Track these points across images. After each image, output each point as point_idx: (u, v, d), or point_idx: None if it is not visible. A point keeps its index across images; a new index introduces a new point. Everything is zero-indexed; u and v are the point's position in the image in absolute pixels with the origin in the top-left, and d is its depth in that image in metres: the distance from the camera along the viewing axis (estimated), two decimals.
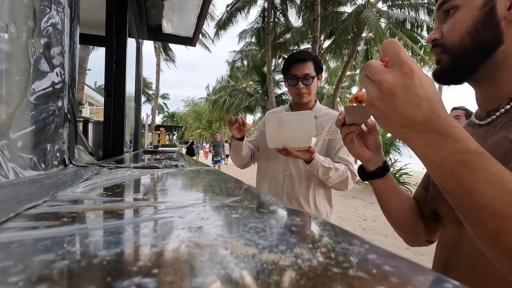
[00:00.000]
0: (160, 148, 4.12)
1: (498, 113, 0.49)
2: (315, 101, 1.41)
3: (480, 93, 0.54)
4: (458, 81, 0.54)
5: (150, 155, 1.69)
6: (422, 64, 15.44)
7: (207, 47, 20.21)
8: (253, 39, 17.32)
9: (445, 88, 21.09)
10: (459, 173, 0.36)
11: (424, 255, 3.30)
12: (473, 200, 0.35)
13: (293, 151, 1.13)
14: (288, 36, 15.86)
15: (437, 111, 0.37)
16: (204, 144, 26.26)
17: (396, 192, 0.62)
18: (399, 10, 12.73)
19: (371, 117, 0.49)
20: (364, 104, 0.46)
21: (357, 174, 1.34)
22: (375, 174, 0.61)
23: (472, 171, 0.35)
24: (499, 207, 0.34)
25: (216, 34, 16.06)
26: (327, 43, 14.79)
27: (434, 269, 0.58)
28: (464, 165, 0.35)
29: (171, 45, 20.59)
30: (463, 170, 0.36)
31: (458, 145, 0.36)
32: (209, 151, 11.26)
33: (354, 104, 0.55)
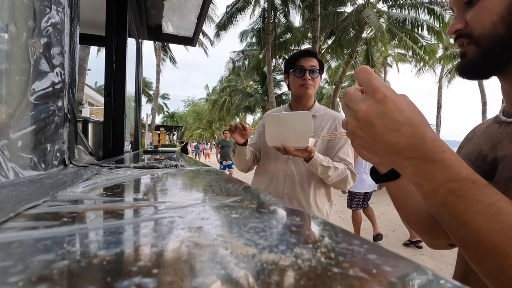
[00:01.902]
0: (160, 148, 4.12)
1: None
2: (314, 101, 1.42)
3: (509, 87, 0.49)
4: (486, 75, 0.48)
5: (150, 155, 1.69)
6: (422, 64, 15.41)
7: (205, 52, 20.18)
8: (254, 40, 17.34)
9: (444, 88, 21.03)
10: (452, 203, 0.33)
11: (424, 255, 3.30)
12: (469, 234, 0.32)
13: (291, 150, 1.14)
14: (288, 36, 15.87)
15: (421, 136, 0.34)
16: (205, 144, 26.02)
17: (412, 194, 0.58)
18: (399, 10, 12.72)
19: None
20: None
21: (356, 173, 1.35)
22: (387, 176, 0.57)
23: (466, 202, 0.32)
24: (498, 242, 0.30)
25: (217, 34, 16.06)
26: (328, 42, 14.79)
27: (454, 278, 0.53)
28: (457, 195, 0.32)
29: (171, 45, 20.59)
30: (456, 200, 0.33)
31: (448, 173, 0.33)
32: (217, 154, 9.05)
33: None
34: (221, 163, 8.49)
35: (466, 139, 0.62)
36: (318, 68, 1.33)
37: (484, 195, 0.32)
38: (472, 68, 0.48)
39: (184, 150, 14.54)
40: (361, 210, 3.84)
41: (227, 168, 8.27)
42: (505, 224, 0.30)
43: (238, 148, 1.35)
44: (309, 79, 1.32)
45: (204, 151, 22.78)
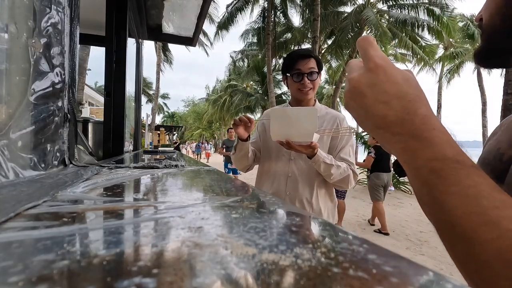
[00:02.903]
0: (160, 148, 4.13)
1: None
2: (315, 100, 1.41)
3: None
4: (495, 65, 0.48)
5: (150, 155, 1.70)
6: (422, 64, 15.40)
7: (206, 52, 20.16)
8: (254, 39, 17.35)
9: (444, 88, 21.02)
10: (433, 184, 0.31)
11: (424, 255, 3.30)
12: (444, 218, 0.31)
13: (295, 145, 1.14)
14: (288, 35, 15.88)
15: (413, 111, 0.33)
16: (205, 144, 25.88)
17: None
18: (399, 10, 12.73)
19: None
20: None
21: (357, 173, 1.35)
22: None
23: (445, 182, 0.30)
24: (469, 227, 0.28)
25: (217, 34, 16.06)
26: (328, 42, 14.78)
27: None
28: (438, 175, 0.31)
29: (170, 46, 20.57)
30: (436, 181, 0.31)
31: (433, 151, 0.31)
32: (223, 155, 7.43)
33: None
34: (225, 165, 7.25)
35: (492, 133, 0.58)
36: (317, 69, 1.31)
37: (465, 176, 0.30)
38: (480, 56, 0.48)
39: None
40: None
41: (231, 172, 6.93)
42: (480, 208, 0.28)
43: (241, 144, 1.34)
44: (308, 82, 1.30)
45: (205, 151, 22.62)
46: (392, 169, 4.21)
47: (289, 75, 1.34)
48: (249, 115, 1.35)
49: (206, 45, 20.08)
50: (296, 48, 15.46)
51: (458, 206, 0.29)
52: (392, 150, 0.36)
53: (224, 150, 7.15)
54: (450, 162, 0.31)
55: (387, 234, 4.03)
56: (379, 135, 0.36)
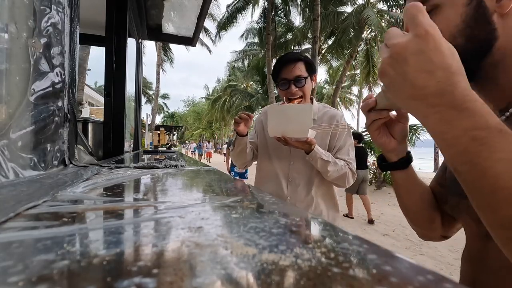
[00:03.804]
0: (160, 148, 4.13)
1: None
2: (312, 99, 1.38)
3: (484, 96, 0.51)
4: None
5: (150, 155, 1.70)
6: None
7: (209, 50, 20.16)
8: (255, 39, 17.37)
9: None
10: (475, 151, 0.32)
11: (424, 255, 3.31)
12: (487, 183, 0.32)
13: (291, 141, 1.15)
14: (289, 36, 15.88)
15: (455, 82, 0.33)
16: (206, 143, 25.78)
17: (417, 184, 0.58)
18: (399, 10, 12.73)
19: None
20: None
21: (355, 172, 1.34)
22: (398, 165, 0.56)
23: (489, 150, 0.31)
24: None
25: (217, 34, 16.06)
26: (328, 42, 14.78)
27: (462, 283, 0.53)
28: (481, 143, 0.32)
29: (171, 45, 20.57)
30: (479, 148, 0.32)
31: (474, 121, 0.32)
32: (227, 159, 6.45)
33: None
34: (232, 169, 6.07)
35: None
36: (306, 74, 1.27)
37: (508, 143, 0.31)
38: None
39: None
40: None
41: (238, 177, 5.72)
42: None
43: (239, 139, 1.34)
44: (296, 90, 1.26)
45: (206, 151, 22.48)
46: (376, 163, 4.42)
47: (277, 84, 1.32)
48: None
49: (205, 44, 20.08)
50: (296, 48, 15.46)
51: (504, 172, 0.31)
52: (424, 120, 0.36)
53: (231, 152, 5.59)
54: (493, 131, 0.32)
55: (352, 217, 4.89)
56: (411, 106, 0.36)
